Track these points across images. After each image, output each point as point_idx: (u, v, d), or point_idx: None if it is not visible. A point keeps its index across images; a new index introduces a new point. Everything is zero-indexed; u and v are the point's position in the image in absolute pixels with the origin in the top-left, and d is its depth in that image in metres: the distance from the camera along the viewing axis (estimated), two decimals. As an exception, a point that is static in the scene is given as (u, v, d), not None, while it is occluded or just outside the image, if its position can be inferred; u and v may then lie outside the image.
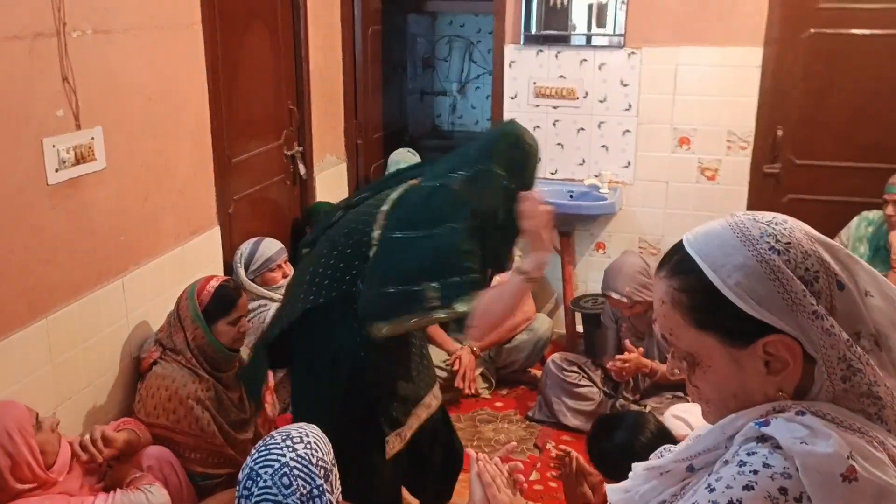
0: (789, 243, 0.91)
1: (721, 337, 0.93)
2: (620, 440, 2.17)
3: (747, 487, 0.84)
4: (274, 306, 3.16)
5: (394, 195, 2.11)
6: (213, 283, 2.62)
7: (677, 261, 0.96)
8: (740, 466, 0.86)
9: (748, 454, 0.87)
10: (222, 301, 2.59)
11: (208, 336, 2.55)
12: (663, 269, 0.98)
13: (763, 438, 0.88)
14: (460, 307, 1.92)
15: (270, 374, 2.96)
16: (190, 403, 2.49)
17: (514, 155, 2.06)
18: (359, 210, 2.19)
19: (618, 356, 3.01)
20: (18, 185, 2.13)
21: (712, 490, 0.87)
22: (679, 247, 0.97)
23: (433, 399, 2.39)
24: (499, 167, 2.03)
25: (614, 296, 3.14)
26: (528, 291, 2.07)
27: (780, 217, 0.95)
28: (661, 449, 1.10)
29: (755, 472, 0.85)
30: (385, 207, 2.09)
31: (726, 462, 0.89)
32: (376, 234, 2.05)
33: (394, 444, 2.19)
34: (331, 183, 4.19)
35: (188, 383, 2.51)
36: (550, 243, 2.05)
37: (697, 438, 0.97)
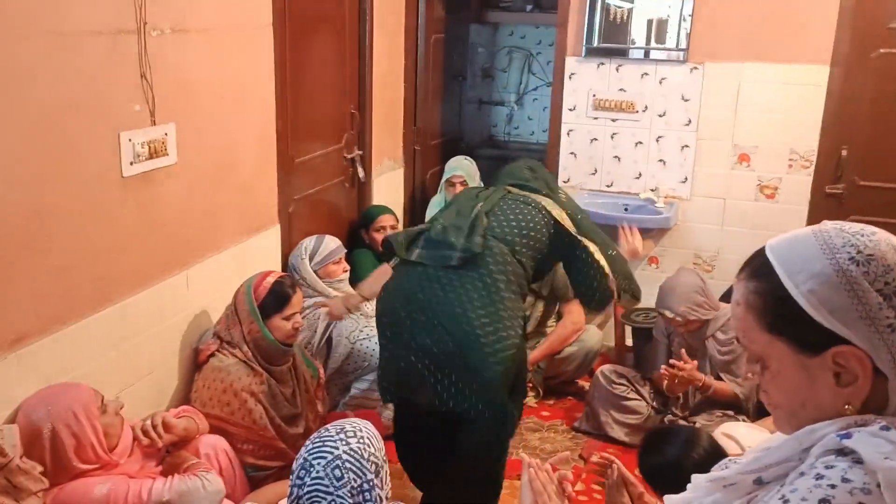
0: (871, 255, 0.90)
1: (792, 343, 0.92)
2: (672, 455, 2.13)
3: (824, 501, 0.82)
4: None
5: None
6: (270, 279, 2.67)
7: (757, 265, 0.97)
8: (817, 479, 0.84)
9: (826, 467, 0.85)
10: (278, 296, 2.65)
11: (263, 330, 2.60)
12: (743, 271, 0.99)
13: (843, 452, 0.86)
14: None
15: (322, 370, 3.01)
16: (244, 396, 2.54)
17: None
18: (516, 212, 2.53)
19: (672, 361, 2.97)
20: (95, 176, 2.20)
21: (786, 502, 0.85)
22: (761, 251, 0.98)
23: None
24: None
25: (668, 314, 3.10)
26: None
27: (868, 229, 0.94)
28: (725, 460, 1.07)
29: (833, 486, 0.83)
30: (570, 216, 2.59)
31: (802, 474, 0.87)
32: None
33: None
34: (388, 187, 4.23)
35: (243, 377, 2.56)
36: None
37: (768, 450, 0.95)
